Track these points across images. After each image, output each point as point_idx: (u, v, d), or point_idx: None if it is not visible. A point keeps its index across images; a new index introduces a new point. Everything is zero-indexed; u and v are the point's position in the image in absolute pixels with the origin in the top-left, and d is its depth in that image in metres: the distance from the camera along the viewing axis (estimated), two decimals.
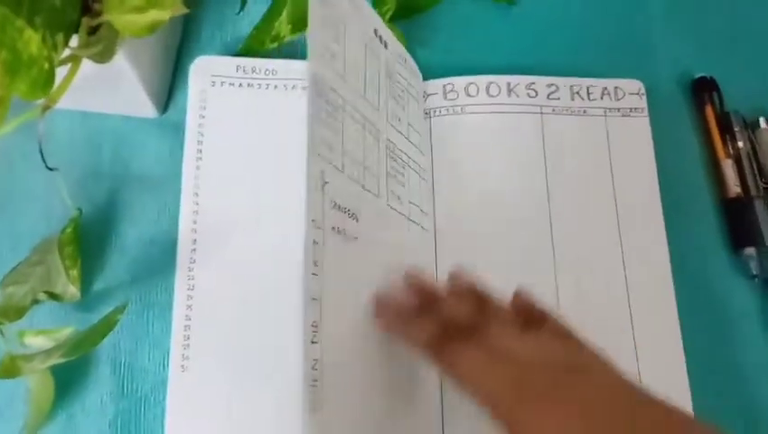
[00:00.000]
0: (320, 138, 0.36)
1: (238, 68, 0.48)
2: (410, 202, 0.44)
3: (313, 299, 0.34)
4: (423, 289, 0.38)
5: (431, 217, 0.46)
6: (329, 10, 0.38)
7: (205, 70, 0.48)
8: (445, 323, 0.36)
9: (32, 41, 0.31)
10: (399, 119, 0.45)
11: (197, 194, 0.46)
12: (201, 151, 0.47)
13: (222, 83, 0.47)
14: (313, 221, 0.35)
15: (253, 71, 0.48)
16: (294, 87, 0.48)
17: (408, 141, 0.46)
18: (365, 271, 0.38)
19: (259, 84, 0.48)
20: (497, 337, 0.34)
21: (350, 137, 0.39)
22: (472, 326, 0.35)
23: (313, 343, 0.34)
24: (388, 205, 0.42)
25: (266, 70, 0.48)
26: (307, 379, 0.33)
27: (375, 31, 0.44)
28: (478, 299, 0.37)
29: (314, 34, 0.37)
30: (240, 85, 0.47)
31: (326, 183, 0.36)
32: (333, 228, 0.36)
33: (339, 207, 0.37)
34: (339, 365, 0.35)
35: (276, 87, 0.48)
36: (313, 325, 0.34)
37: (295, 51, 0.49)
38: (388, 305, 0.37)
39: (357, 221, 0.38)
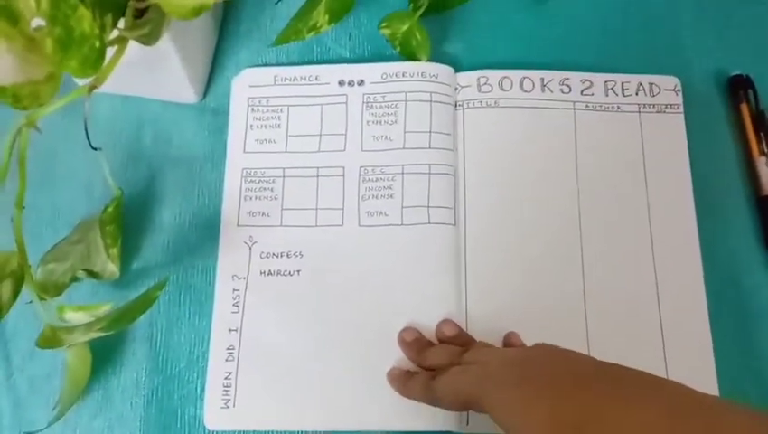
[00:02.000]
0: (246, 212, 0.47)
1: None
2: (414, 207, 0.46)
3: (231, 330, 0.44)
4: (416, 343, 0.43)
5: (452, 211, 0.46)
6: (255, 113, 0.49)
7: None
8: (431, 370, 0.41)
9: (84, 18, 0.32)
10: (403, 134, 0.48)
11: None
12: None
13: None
14: (234, 275, 0.45)
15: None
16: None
17: (429, 149, 0.47)
18: (312, 291, 0.45)
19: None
20: (472, 356, 0.39)
21: (292, 194, 0.47)
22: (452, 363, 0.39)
23: (227, 361, 0.43)
24: (360, 226, 0.46)
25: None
26: (219, 386, 0.43)
27: (340, 82, 0.49)
28: (462, 344, 0.42)
29: (235, 141, 0.48)
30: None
31: (255, 242, 0.46)
32: (262, 272, 0.45)
33: (272, 254, 0.46)
34: (250, 375, 0.43)
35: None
36: (229, 349, 0.44)
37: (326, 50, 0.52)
38: (391, 373, 0.43)
39: (301, 256, 0.45)
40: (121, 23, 0.37)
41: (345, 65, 0.50)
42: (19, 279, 0.37)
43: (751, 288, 0.46)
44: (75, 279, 0.43)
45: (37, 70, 0.33)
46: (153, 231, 0.47)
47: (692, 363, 0.44)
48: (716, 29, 0.53)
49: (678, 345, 0.44)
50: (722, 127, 0.50)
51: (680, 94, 0.50)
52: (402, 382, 0.42)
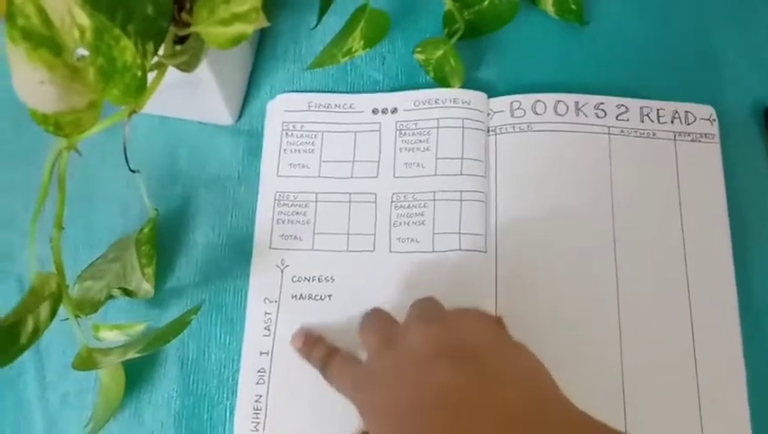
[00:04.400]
0: (278, 236, 0.47)
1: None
2: (445, 233, 0.46)
3: (262, 353, 0.44)
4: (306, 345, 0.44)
5: (484, 238, 0.46)
6: (290, 138, 0.49)
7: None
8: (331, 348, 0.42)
9: (127, 49, 0.33)
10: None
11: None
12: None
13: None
14: (266, 298, 0.45)
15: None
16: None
17: (460, 175, 0.48)
18: (343, 316, 0.45)
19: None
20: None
21: (325, 218, 0.47)
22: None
23: (258, 384, 0.44)
24: (392, 252, 0.46)
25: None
26: (249, 409, 0.43)
27: (374, 110, 0.50)
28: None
29: (269, 165, 0.49)
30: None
31: (287, 266, 0.46)
32: (294, 296, 0.46)
33: (303, 278, 0.46)
34: (281, 399, 0.43)
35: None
36: (260, 371, 0.44)
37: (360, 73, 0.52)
38: (301, 333, 0.44)
39: (332, 281, 0.46)
40: (161, 50, 0.38)
41: (379, 94, 0.50)
42: (57, 300, 0.38)
43: None
44: (110, 297, 0.44)
45: (79, 98, 0.34)
46: (187, 251, 0.47)
47: (724, 394, 0.43)
48: (754, 57, 0.52)
49: (711, 378, 0.43)
50: (759, 158, 0.50)
51: (716, 124, 0.49)
52: (306, 346, 0.43)
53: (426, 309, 0.39)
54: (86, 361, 0.38)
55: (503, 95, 0.50)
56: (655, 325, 0.45)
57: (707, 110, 0.50)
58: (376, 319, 0.41)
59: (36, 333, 0.36)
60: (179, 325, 0.38)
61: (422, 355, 0.34)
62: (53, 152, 0.37)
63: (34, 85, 0.32)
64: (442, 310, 0.39)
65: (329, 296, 0.45)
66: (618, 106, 0.50)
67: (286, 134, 0.49)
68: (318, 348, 0.42)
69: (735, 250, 0.46)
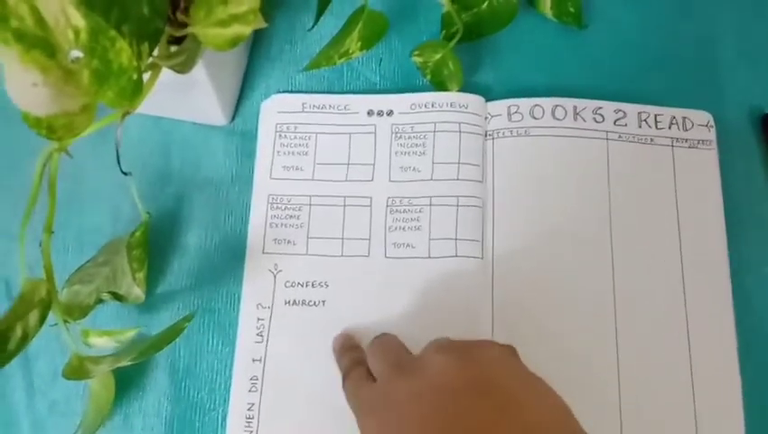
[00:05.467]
0: (272, 240, 0.46)
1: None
2: (441, 239, 0.46)
3: (255, 360, 0.43)
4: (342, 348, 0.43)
5: (480, 244, 0.46)
6: (283, 140, 0.48)
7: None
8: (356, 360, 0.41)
9: (123, 51, 0.32)
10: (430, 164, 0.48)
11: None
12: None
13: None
14: (258, 304, 0.45)
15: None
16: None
17: (457, 180, 0.47)
18: (336, 323, 0.44)
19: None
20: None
21: (319, 223, 0.46)
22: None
23: (250, 392, 0.43)
24: (387, 257, 0.46)
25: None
26: (241, 417, 0.42)
27: (369, 112, 0.49)
28: None
29: (262, 167, 0.48)
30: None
31: (280, 271, 0.45)
32: (287, 301, 0.45)
33: (297, 284, 0.45)
34: (274, 407, 0.43)
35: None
36: (252, 379, 0.43)
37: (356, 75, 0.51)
38: (341, 337, 0.44)
39: (326, 287, 0.45)
40: (156, 51, 0.37)
41: (374, 96, 0.50)
42: (46, 307, 0.37)
43: None
44: (100, 301, 0.43)
45: (72, 101, 0.33)
46: (179, 255, 0.47)
47: (720, 396, 0.43)
48: (752, 64, 0.52)
49: (707, 385, 0.43)
50: (756, 165, 0.49)
51: (713, 130, 0.49)
52: (341, 350, 0.43)
53: (444, 342, 0.38)
54: (77, 370, 0.37)
55: (501, 99, 0.49)
56: (650, 331, 0.44)
57: (704, 117, 0.49)
58: (386, 343, 0.40)
59: (25, 339, 0.35)
60: (172, 333, 0.37)
61: (445, 385, 0.34)
62: (43, 154, 0.36)
63: (27, 87, 0.31)
64: (459, 343, 0.38)
65: (323, 302, 0.45)
66: (616, 111, 0.49)
67: (280, 135, 0.48)
68: (346, 357, 0.42)
69: (732, 257, 0.46)
